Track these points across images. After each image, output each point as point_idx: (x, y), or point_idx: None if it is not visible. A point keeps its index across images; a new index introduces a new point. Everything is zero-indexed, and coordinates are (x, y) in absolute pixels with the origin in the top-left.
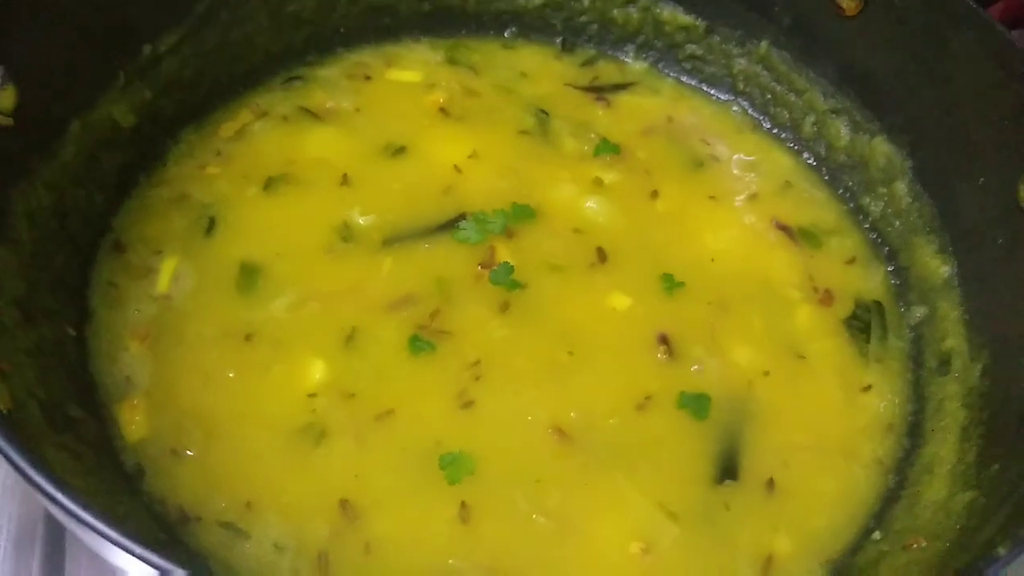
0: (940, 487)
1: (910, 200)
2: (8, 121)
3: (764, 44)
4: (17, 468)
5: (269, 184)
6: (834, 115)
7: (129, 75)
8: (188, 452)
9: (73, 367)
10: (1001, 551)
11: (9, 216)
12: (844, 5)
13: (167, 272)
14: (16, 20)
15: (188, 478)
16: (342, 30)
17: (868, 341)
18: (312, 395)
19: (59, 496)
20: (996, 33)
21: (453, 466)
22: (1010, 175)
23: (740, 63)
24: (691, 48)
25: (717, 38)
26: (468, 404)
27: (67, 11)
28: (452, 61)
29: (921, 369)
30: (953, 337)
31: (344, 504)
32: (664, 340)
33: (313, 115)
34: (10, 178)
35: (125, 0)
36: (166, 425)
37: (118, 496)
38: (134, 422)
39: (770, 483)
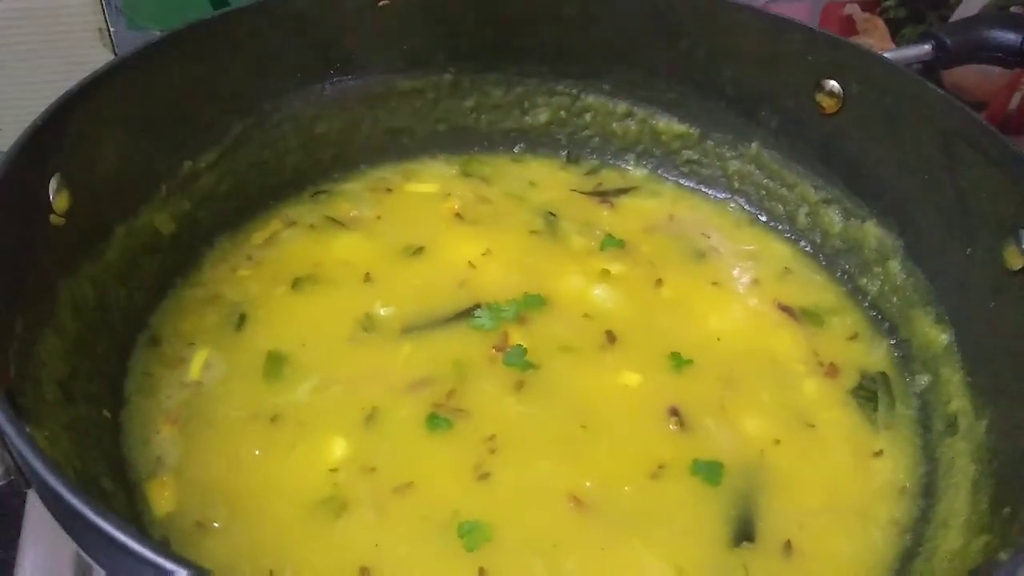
0: (956, 538)
1: (904, 277)
2: (61, 221)
3: (755, 146)
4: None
5: (296, 283)
6: (826, 205)
7: (170, 188)
8: (214, 524)
9: (107, 446)
10: (1003, 556)
11: (56, 305)
12: (824, 104)
13: (199, 361)
14: (74, 136)
15: (212, 549)
16: (365, 150)
17: (876, 409)
18: (334, 470)
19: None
20: (959, 112)
21: (471, 534)
22: (994, 243)
23: (734, 164)
24: (687, 154)
25: (711, 143)
26: (485, 476)
27: (118, 130)
28: (466, 174)
29: (929, 432)
30: (957, 399)
31: (364, 572)
32: (675, 412)
33: (338, 223)
34: (59, 271)
35: (169, 121)
36: (193, 500)
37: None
38: (163, 498)
39: (787, 545)
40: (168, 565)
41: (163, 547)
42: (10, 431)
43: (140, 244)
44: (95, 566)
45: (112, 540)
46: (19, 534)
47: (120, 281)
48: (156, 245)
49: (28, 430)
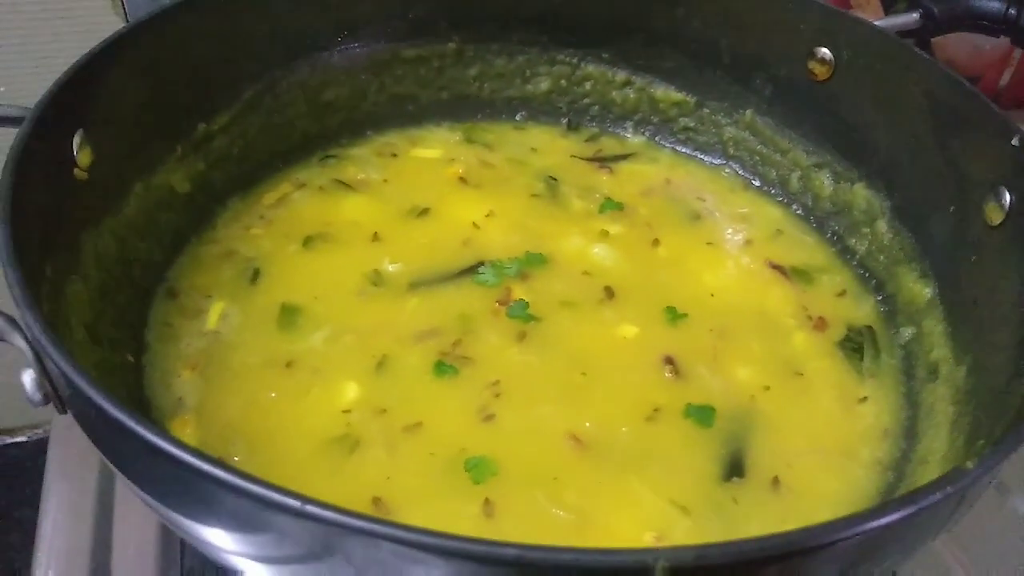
0: (933, 472)
1: (891, 236)
2: (84, 175)
3: (749, 113)
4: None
5: (307, 241)
6: (817, 169)
7: (185, 149)
8: (234, 458)
9: (131, 387)
10: (969, 465)
11: (81, 254)
12: (816, 72)
13: (216, 312)
14: (96, 94)
15: None
16: (371, 116)
17: (862, 360)
18: (347, 411)
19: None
20: (944, 77)
21: (477, 469)
22: (977, 200)
23: (729, 131)
24: (684, 121)
25: (707, 111)
26: (489, 417)
27: (136, 90)
28: (469, 140)
29: (912, 380)
30: (939, 348)
31: (377, 501)
32: (670, 361)
33: (346, 185)
34: (83, 223)
35: (185, 84)
36: (213, 437)
37: None
38: (185, 435)
39: (775, 481)
40: (207, 468)
41: (201, 452)
42: (51, 351)
43: (157, 201)
44: (131, 486)
45: (152, 446)
46: (40, 491)
47: (139, 236)
48: (172, 203)
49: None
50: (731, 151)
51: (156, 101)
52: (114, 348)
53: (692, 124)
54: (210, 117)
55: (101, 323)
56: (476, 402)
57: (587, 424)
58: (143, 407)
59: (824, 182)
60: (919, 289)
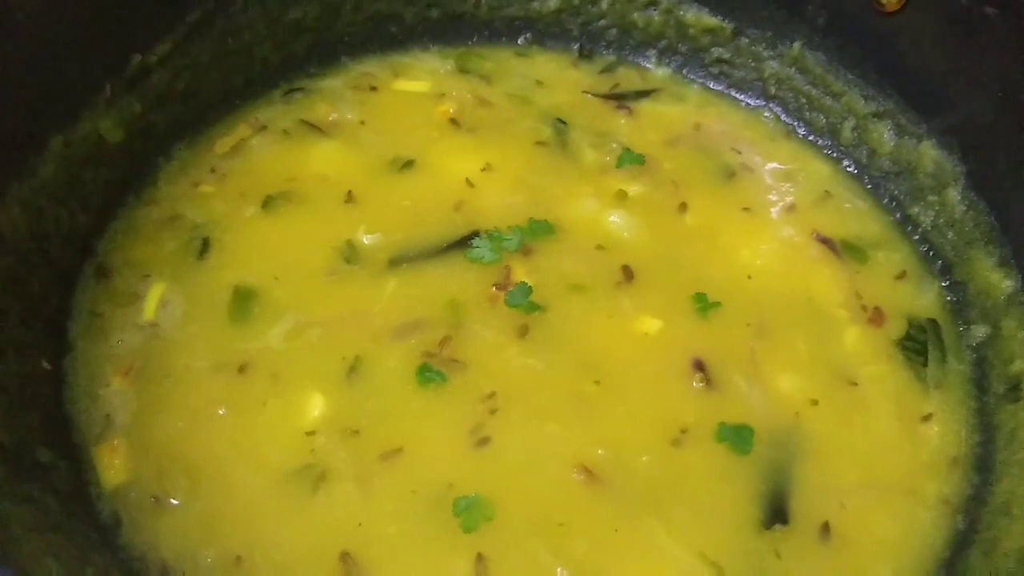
0: (1021, 532)
1: (964, 209)
2: None
3: (797, 45)
4: None
5: (268, 203)
6: (876, 119)
7: (116, 87)
8: (172, 500)
9: (46, 405)
10: None
11: None
12: (884, 0)
13: (154, 298)
14: None
15: (171, 529)
16: (346, 39)
17: (925, 364)
18: (311, 433)
19: None
20: None
21: (468, 512)
22: None
23: (771, 66)
24: (718, 52)
25: (745, 40)
26: (483, 441)
27: (47, 18)
28: (463, 70)
29: (986, 395)
30: (1022, 358)
31: (345, 558)
32: (699, 366)
33: (315, 128)
34: None
35: (112, 6)
36: (148, 469)
37: (89, 552)
38: (113, 466)
39: (824, 528)
40: None
41: None
42: None
43: (81, 156)
44: None
45: None
46: None
47: (59, 202)
48: (101, 156)
49: None
50: (772, 91)
51: (76, 31)
52: (23, 355)
53: (727, 56)
54: (147, 45)
55: (4, 325)
56: (468, 420)
57: (600, 452)
58: (61, 430)
59: (884, 135)
60: (997, 279)
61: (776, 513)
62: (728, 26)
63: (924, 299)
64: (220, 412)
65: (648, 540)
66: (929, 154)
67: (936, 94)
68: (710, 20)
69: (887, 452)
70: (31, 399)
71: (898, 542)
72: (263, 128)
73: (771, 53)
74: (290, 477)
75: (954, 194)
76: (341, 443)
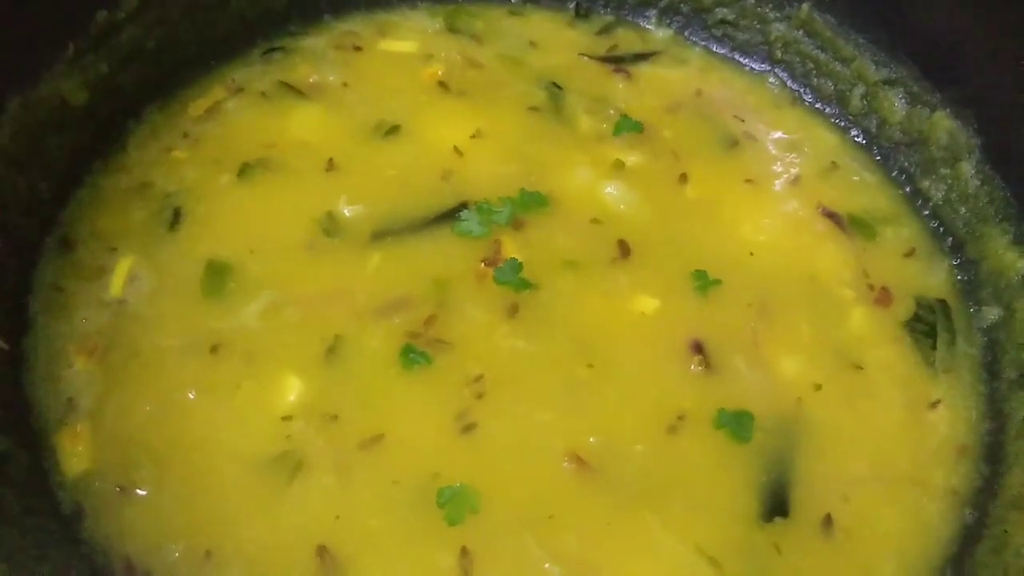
0: None
1: (978, 184)
2: None
3: (806, 7)
4: None
5: (244, 170)
6: (887, 86)
7: (80, 45)
8: (138, 490)
9: (3, 388)
10: None
11: None
12: None
13: (122, 272)
14: None
15: (137, 521)
16: None
17: (934, 347)
18: (287, 418)
19: None
20: None
21: (453, 503)
22: None
23: (777, 28)
24: (721, 12)
25: (751, 1)
26: (469, 428)
27: None
28: (452, 29)
29: (997, 380)
30: None
31: (322, 552)
32: (698, 348)
33: (295, 91)
34: None
35: None
36: (113, 457)
37: (49, 547)
38: (75, 453)
39: (827, 520)
40: None
41: None
42: None
43: (43, 120)
44: None
45: None
46: None
47: (18, 170)
48: (64, 121)
49: None
50: (778, 54)
51: None
52: None
53: (731, 17)
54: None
55: None
56: (453, 405)
57: (592, 439)
58: (20, 415)
59: (895, 103)
60: (1011, 259)
61: (776, 505)
62: None
63: (934, 278)
64: (191, 396)
65: (643, 534)
66: (943, 124)
67: (952, 62)
68: None
69: (893, 441)
70: None
71: (903, 536)
72: (240, 90)
73: (778, 15)
74: (264, 466)
75: (968, 168)
76: (319, 429)
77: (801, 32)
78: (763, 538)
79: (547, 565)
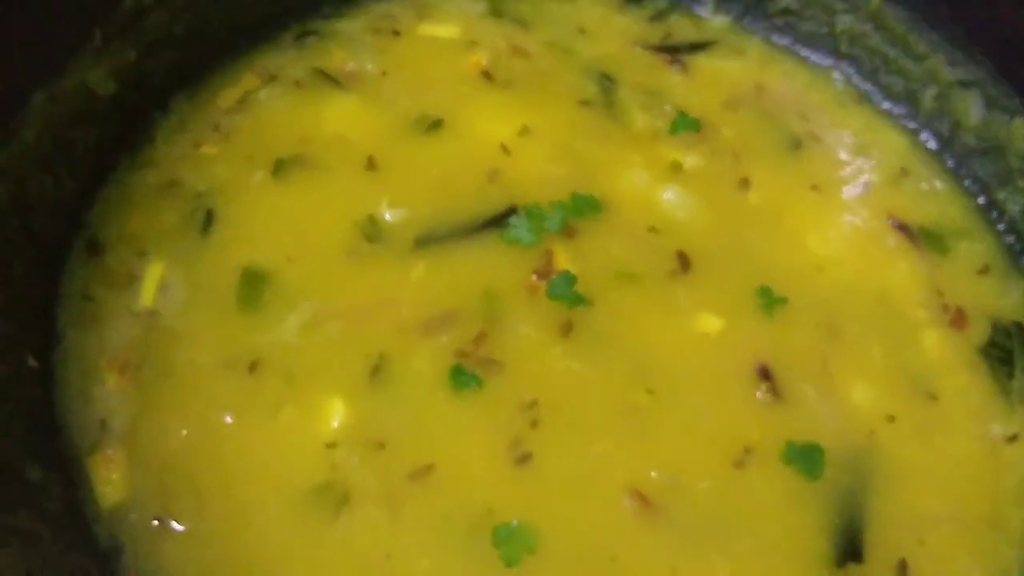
0: None
1: None
2: None
3: None
4: None
5: (279, 168)
6: (963, 88)
7: (107, 32)
8: (176, 524)
9: (33, 409)
10: None
11: None
12: None
13: (152, 280)
14: None
15: (177, 559)
16: None
17: (1011, 376)
18: (331, 445)
19: None
20: None
21: (510, 543)
22: None
23: (844, 20)
24: (783, 0)
25: None
26: (524, 458)
27: None
28: (496, 13)
29: None
30: None
31: None
32: (765, 374)
33: (331, 80)
34: None
35: None
36: (149, 485)
37: None
38: (110, 481)
39: (902, 566)
40: None
41: None
42: None
43: (68, 114)
44: None
45: None
46: None
47: (44, 168)
48: (91, 114)
49: None
50: (844, 48)
51: None
52: (7, 350)
53: (794, 6)
54: None
55: None
56: (507, 433)
57: (654, 473)
58: (52, 441)
59: (970, 107)
60: None
61: (850, 549)
62: None
63: (1009, 298)
64: (228, 419)
65: None
66: (1022, 132)
67: None
68: None
69: (968, 479)
70: (16, 404)
71: None
72: (272, 78)
73: (845, 5)
74: (308, 498)
75: None
76: (365, 458)
77: (870, 25)
78: None
79: None
